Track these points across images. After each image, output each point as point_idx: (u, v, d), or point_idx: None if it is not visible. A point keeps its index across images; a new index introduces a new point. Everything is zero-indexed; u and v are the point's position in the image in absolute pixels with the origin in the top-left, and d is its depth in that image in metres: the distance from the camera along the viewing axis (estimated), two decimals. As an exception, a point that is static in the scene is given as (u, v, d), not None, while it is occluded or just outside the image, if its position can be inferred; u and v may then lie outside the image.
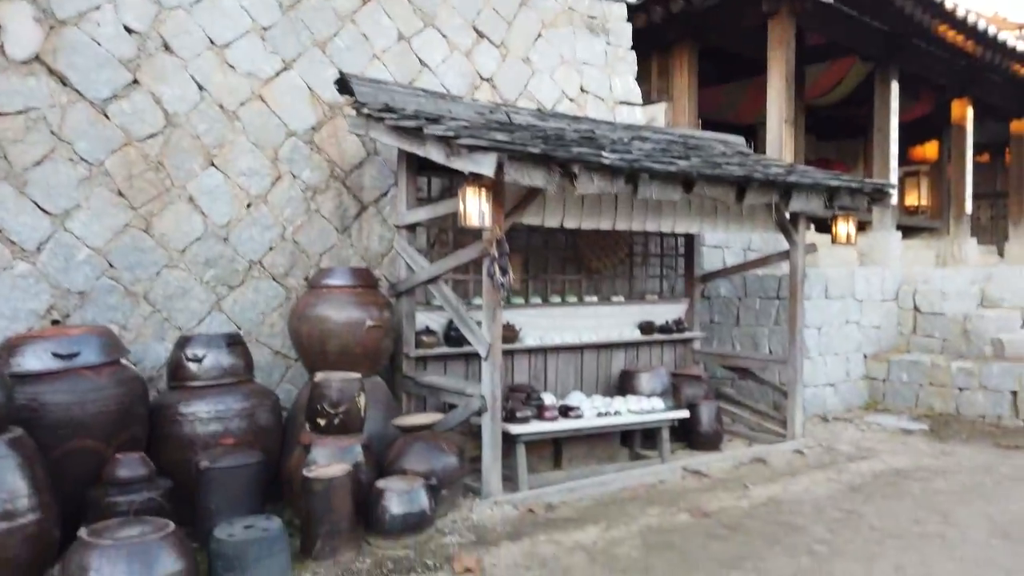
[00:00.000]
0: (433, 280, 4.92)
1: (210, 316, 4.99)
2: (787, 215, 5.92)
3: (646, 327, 6.54)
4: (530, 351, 5.93)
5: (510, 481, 4.74)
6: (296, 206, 5.42)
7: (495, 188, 4.29)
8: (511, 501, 4.46)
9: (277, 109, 5.42)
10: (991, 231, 15.40)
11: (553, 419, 4.89)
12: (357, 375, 4.20)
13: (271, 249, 5.29)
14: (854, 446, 6.16)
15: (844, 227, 5.93)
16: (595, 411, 5.16)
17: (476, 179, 4.12)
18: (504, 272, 4.35)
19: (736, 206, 5.33)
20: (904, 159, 14.50)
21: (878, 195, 5.81)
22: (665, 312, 6.73)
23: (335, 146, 5.64)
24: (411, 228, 5.27)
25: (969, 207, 11.07)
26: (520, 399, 5.09)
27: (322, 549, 3.62)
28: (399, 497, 3.83)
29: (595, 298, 6.35)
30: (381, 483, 3.92)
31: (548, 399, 5.62)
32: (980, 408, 7.16)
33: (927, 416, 7.32)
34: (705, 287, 8.05)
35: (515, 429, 4.69)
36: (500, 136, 4.10)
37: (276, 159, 5.38)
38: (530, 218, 4.73)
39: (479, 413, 4.48)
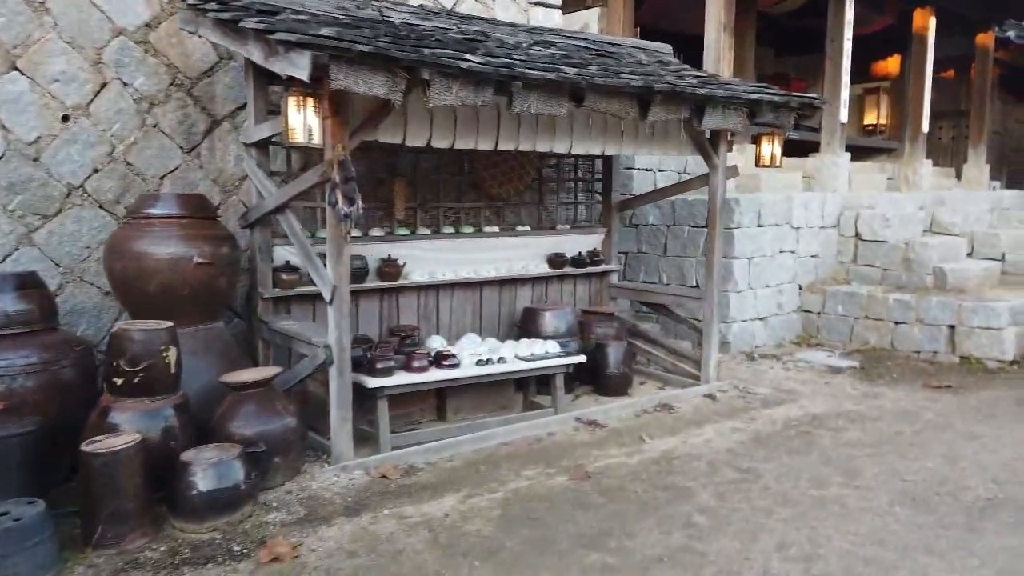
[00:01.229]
0: (280, 209, 4.19)
1: (17, 252, 4.23)
2: (706, 134, 5.22)
3: (556, 260, 5.90)
4: (419, 288, 5.27)
5: (373, 441, 4.17)
6: (128, 120, 4.59)
7: (333, 98, 3.53)
8: (364, 466, 3.90)
9: (99, 1, 4.50)
10: (952, 152, 14.82)
11: (423, 369, 4.28)
12: (165, 324, 3.52)
13: (96, 171, 4.49)
14: (774, 388, 5.69)
15: (768, 147, 5.26)
16: (476, 358, 4.56)
17: (299, 86, 3.35)
18: (350, 201, 3.63)
19: (644, 123, 4.61)
20: (866, 75, 13.77)
21: (807, 111, 5.12)
22: (578, 243, 6.08)
23: (177, 48, 4.76)
24: (262, 146, 4.49)
25: (926, 126, 10.41)
26: (390, 346, 4.46)
27: (103, 536, 3.03)
28: (206, 471, 3.23)
29: (496, 228, 5.67)
30: (188, 455, 3.31)
31: (435, 342, 5.04)
32: (916, 343, 6.73)
33: (861, 351, 6.89)
34: (633, 213, 7.41)
35: (374, 382, 4.08)
36: (326, 31, 3.30)
37: (100, 62, 4.50)
38: (387, 135, 3.98)
39: (325, 365, 3.85)
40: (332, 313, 3.81)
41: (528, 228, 5.83)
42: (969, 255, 8.66)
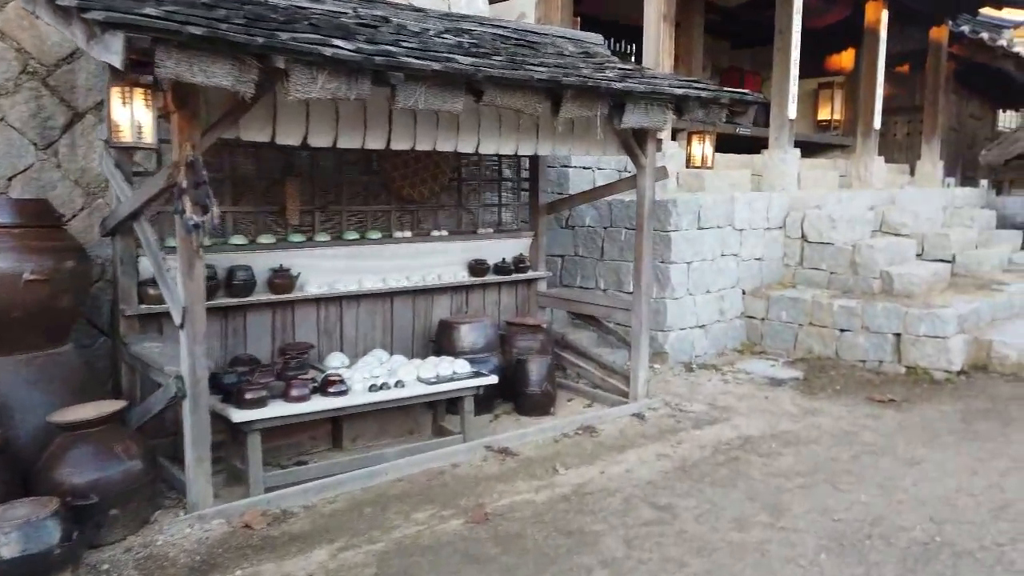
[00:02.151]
0: (135, 216, 3.65)
1: None
2: (631, 131, 4.79)
3: (477, 267, 5.44)
4: (318, 301, 4.77)
5: (241, 483, 3.67)
6: (-33, 113, 4.01)
7: (178, 90, 3.01)
8: (226, 513, 3.40)
9: (-71, -24, 3.91)
10: (908, 149, 14.66)
11: (303, 398, 3.78)
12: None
13: (-74, 172, 3.91)
14: (709, 404, 5.31)
15: (700, 147, 4.86)
16: (371, 382, 4.08)
17: (122, 75, 2.82)
18: (203, 208, 3.12)
19: (558, 120, 4.14)
20: (820, 69, 13.51)
21: (739, 107, 4.71)
22: (503, 249, 5.62)
23: (30, 31, 4.18)
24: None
25: (878, 122, 10.14)
26: (271, 370, 3.96)
27: None
28: (9, 534, 2.70)
29: (408, 233, 5.18)
30: (-10, 514, 2.78)
31: (336, 360, 4.56)
32: (861, 352, 6.40)
33: (805, 360, 6.55)
34: (571, 214, 6.97)
35: (240, 416, 3.57)
36: (151, 9, 2.78)
37: (-69, 47, 3.91)
38: (252, 133, 3.46)
39: (177, 399, 3.34)
40: (184, 338, 3.29)
41: (446, 233, 5.35)
42: (919, 256, 8.41)
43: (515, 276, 5.62)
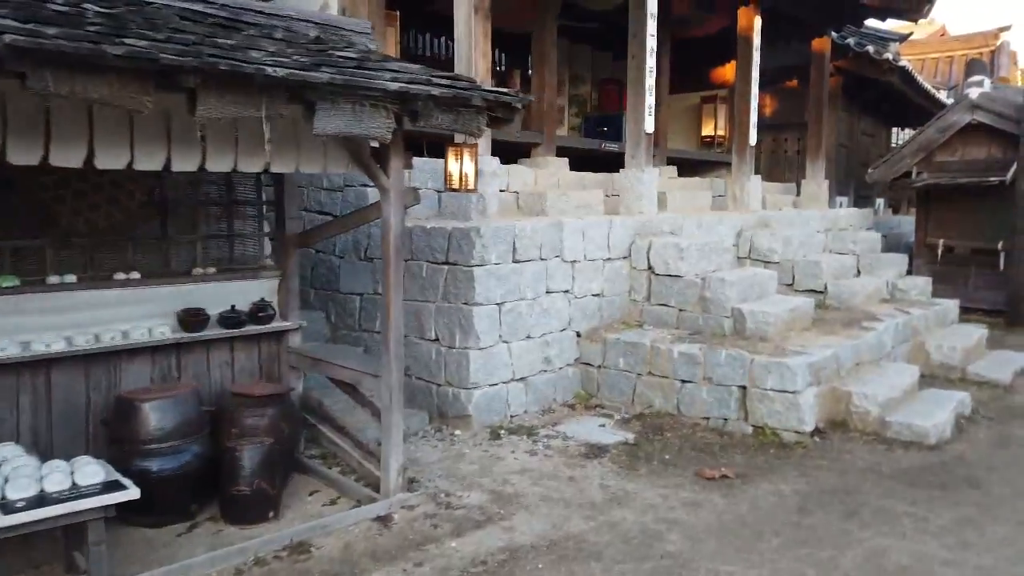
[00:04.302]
0: None
1: None
2: (365, 143, 3.59)
3: (191, 319, 4.13)
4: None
5: None
6: None
7: None
8: None
9: None
10: (798, 167, 14.04)
11: None
12: None
13: None
14: (492, 493, 4.12)
15: (456, 164, 3.70)
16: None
17: None
18: None
19: (198, 120, 2.89)
20: (704, 82, 12.79)
21: (503, 111, 3.57)
22: (233, 293, 4.33)
23: None
24: None
25: (754, 137, 9.28)
26: None
27: None
28: None
29: (73, 277, 3.83)
30: None
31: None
32: (704, 407, 5.35)
33: (642, 418, 5.47)
34: (368, 243, 5.73)
35: None
36: None
37: None
38: None
39: None
40: None
41: (138, 275, 4.02)
42: (791, 286, 7.54)
43: (251, 328, 4.34)
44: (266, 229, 4.52)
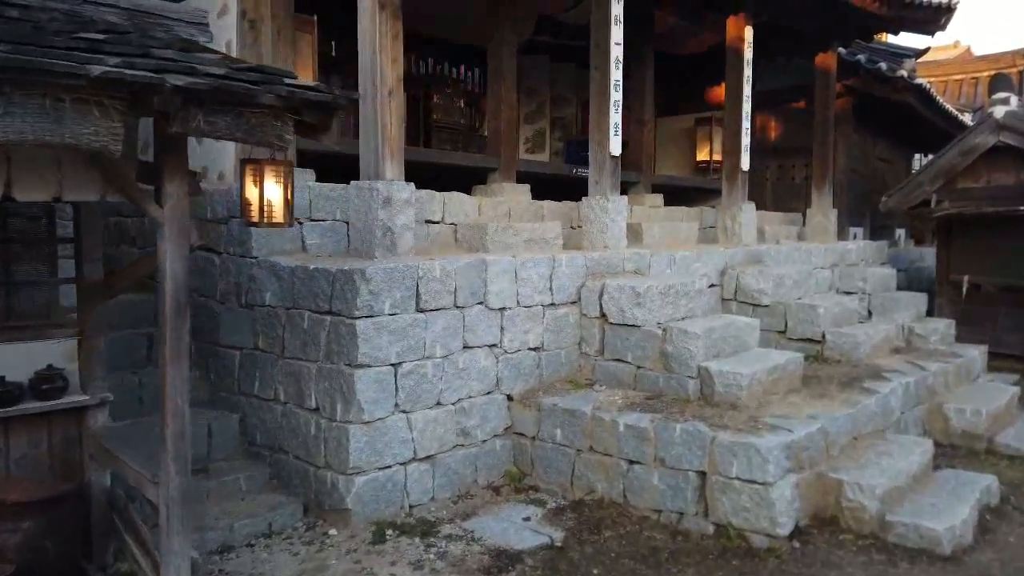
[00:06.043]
0: None
1: None
2: (131, 160, 2.58)
3: (-55, 393, 3.12)
4: None
5: None
6: None
7: None
8: None
9: None
10: (805, 195, 12.87)
11: None
12: None
13: None
14: (333, 636, 3.01)
15: (255, 188, 2.66)
16: None
17: None
18: None
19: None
20: (700, 103, 11.73)
21: (313, 115, 2.54)
22: (6, 358, 3.31)
23: None
24: None
25: (746, 162, 8.18)
26: None
27: None
28: None
29: None
30: None
31: None
32: (655, 497, 4.20)
33: (580, 508, 4.34)
34: (249, 289, 4.72)
35: None
36: None
37: None
38: None
39: None
40: None
41: None
42: (782, 333, 6.38)
43: (31, 406, 3.31)
44: (62, 274, 3.50)
